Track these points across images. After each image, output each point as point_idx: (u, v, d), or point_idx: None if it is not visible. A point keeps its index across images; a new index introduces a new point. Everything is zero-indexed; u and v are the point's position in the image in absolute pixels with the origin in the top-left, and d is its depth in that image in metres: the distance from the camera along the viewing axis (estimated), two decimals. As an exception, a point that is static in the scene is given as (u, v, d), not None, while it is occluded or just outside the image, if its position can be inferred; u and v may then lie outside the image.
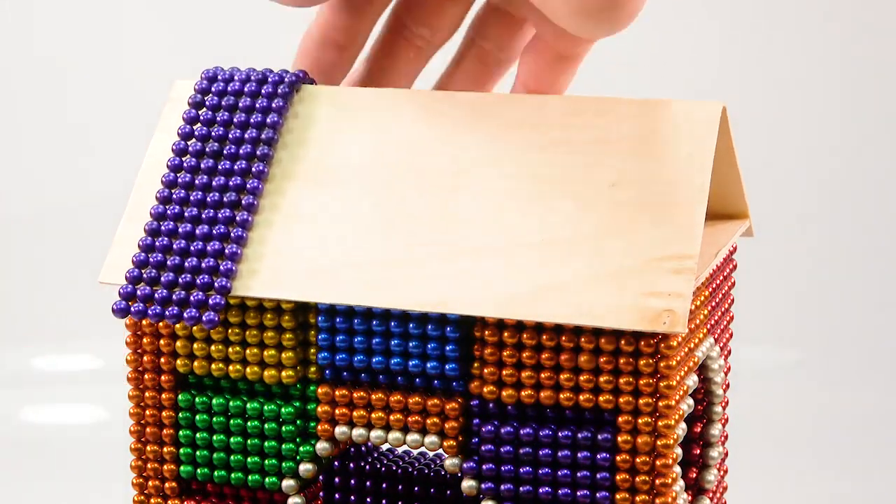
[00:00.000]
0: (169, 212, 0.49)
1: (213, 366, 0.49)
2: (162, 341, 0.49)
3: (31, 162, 1.15)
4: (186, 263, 0.48)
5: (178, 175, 0.50)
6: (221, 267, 0.48)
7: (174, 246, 0.48)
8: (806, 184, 1.12)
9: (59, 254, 1.12)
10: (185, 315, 0.47)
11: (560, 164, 0.47)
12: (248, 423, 0.49)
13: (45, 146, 1.16)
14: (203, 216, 0.49)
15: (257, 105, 0.50)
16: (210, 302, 0.47)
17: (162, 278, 0.48)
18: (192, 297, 0.47)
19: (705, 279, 0.49)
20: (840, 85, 1.12)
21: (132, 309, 0.48)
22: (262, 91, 0.51)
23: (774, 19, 1.14)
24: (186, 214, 0.49)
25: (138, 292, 0.48)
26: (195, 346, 0.49)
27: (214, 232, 0.48)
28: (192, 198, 0.49)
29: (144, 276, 0.48)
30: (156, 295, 0.48)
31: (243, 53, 0.70)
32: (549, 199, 0.46)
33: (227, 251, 0.48)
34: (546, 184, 0.46)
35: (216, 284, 0.47)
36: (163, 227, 0.49)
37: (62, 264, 1.10)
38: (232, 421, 0.49)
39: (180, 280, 0.48)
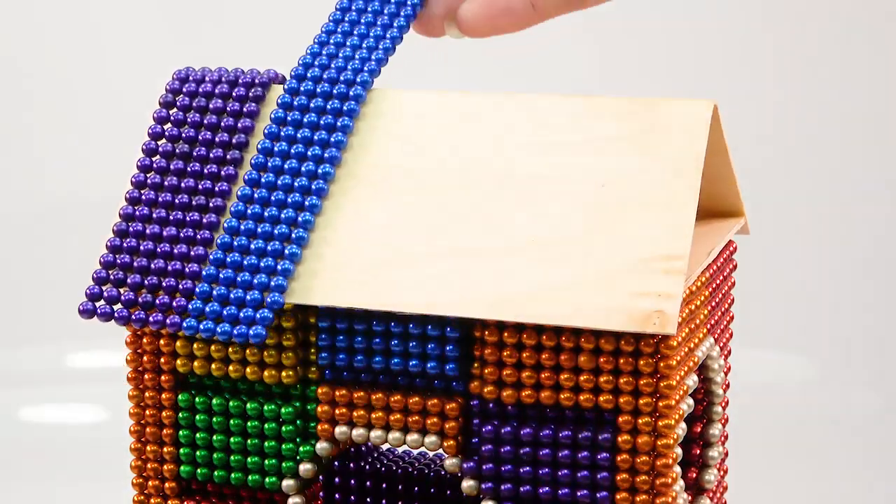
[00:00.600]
0: (137, 213, 0.49)
1: (213, 365, 0.49)
2: (162, 341, 0.49)
3: (30, 160, 1.15)
4: (153, 265, 0.48)
5: (148, 176, 0.50)
6: (187, 269, 0.47)
7: (141, 247, 0.48)
8: (807, 183, 1.12)
9: (58, 253, 1.12)
10: (150, 319, 0.47)
11: (551, 163, 0.47)
12: (248, 423, 0.48)
13: (42, 145, 1.16)
14: (171, 218, 0.48)
15: (228, 108, 0.50)
16: (174, 304, 0.47)
17: (128, 280, 0.48)
18: (157, 301, 0.47)
19: (705, 279, 0.49)
20: (838, 77, 1.12)
21: (98, 310, 0.48)
22: (234, 93, 0.50)
23: (768, 15, 1.14)
24: (154, 216, 0.49)
25: (105, 293, 0.48)
26: (195, 345, 0.49)
27: (182, 234, 0.48)
28: (160, 199, 0.49)
29: (111, 276, 0.48)
30: (122, 297, 0.48)
31: (248, 55, 0.70)
32: (540, 199, 0.46)
33: (193, 253, 0.48)
34: (537, 184, 0.46)
35: (181, 287, 0.47)
36: (131, 228, 0.49)
37: (61, 263, 1.10)
38: (232, 421, 0.49)
39: (146, 282, 0.48)
